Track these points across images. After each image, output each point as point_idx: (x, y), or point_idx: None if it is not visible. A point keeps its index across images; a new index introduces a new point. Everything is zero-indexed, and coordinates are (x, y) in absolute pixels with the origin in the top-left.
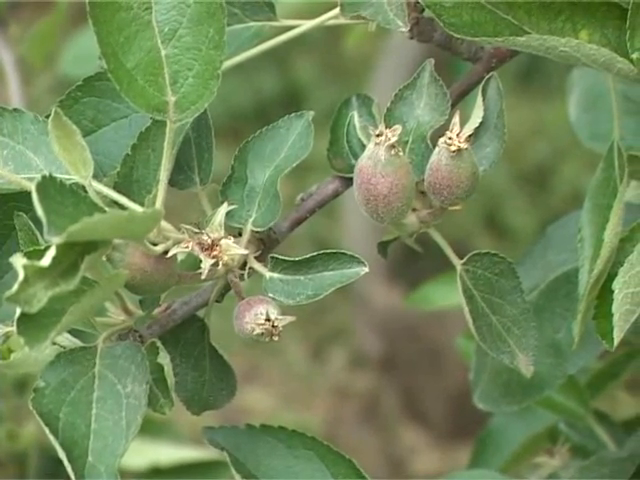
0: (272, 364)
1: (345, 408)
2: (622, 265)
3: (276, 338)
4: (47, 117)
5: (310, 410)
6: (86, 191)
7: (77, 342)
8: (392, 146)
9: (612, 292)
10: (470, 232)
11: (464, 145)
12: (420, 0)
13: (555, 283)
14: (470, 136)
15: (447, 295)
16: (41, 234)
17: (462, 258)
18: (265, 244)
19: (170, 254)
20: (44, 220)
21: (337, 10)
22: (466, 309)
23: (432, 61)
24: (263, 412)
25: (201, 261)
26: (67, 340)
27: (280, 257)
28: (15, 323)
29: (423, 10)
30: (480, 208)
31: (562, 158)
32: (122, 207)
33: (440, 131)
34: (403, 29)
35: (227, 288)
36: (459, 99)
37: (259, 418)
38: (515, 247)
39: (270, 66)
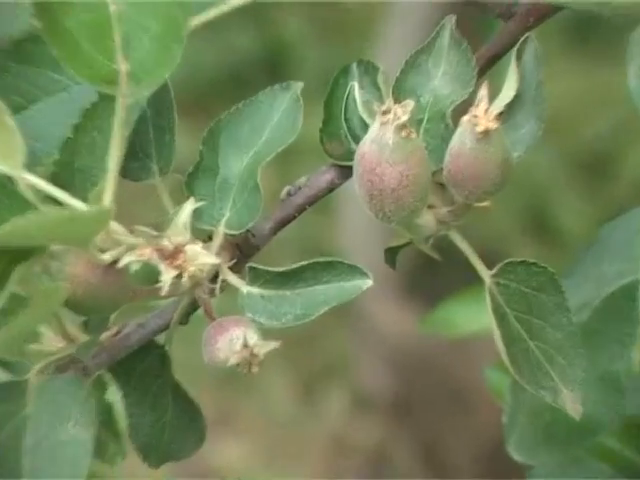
0: (251, 405)
1: (346, 464)
2: None
3: (256, 369)
4: None
5: (300, 467)
6: (16, 184)
7: (3, 376)
8: (402, 126)
9: None
10: (506, 237)
11: (493, 125)
12: None
13: (611, 300)
14: (501, 114)
15: (474, 316)
16: None
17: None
18: (242, 251)
19: (122, 264)
20: None
21: None
22: (497, 333)
23: (453, 18)
24: (238, 470)
25: (161, 272)
26: None
27: (261, 267)
28: None
29: None
30: (520, 205)
31: (627, 139)
32: (61, 204)
33: (463, 107)
34: None
35: (194, 306)
36: (488, 67)
37: (233, 477)
38: (566, 256)
39: (247, 23)
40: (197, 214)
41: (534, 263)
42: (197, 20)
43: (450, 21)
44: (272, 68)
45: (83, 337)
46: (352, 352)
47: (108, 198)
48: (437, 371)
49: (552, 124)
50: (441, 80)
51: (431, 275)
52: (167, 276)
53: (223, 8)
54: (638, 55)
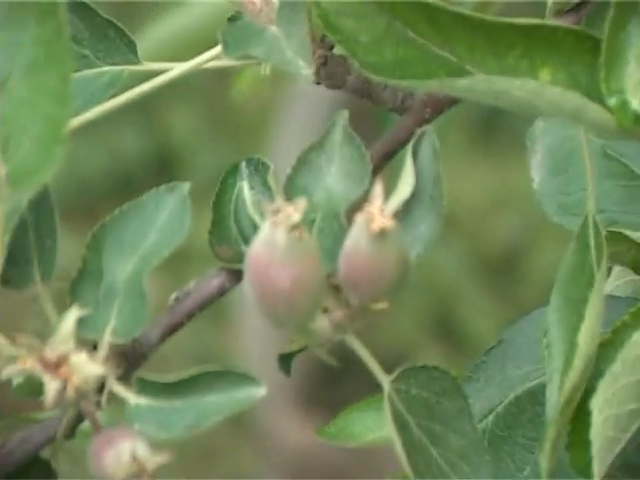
0: None
1: None
2: (602, 377)
3: None
4: None
5: None
6: None
7: None
8: (294, 226)
9: (590, 413)
10: (414, 341)
11: (389, 223)
12: (328, 34)
13: (516, 404)
14: (397, 211)
15: (374, 425)
16: None
17: None
18: (129, 360)
19: (3, 376)
20: None
21: (219, 49)
22: (397, 441)
23: (345, 113)
24: None
25: (44, 384)
26: None
27: (148, 377)
28: None
29: (333, 47)
30: (425, 307)
31: (536, 237)
32: None
33: (358, 205)
34: (306, 71)
35: (80, 419)
36: (383, 163)
37: None
38: (473, 359)
39: (134, 121)
40: (81, 322)
41: (435, 367)
42: (79, 120)
43: (342, 116)
44: (162, 169)
45: None
46: (255, 468)
47: None
48: None
49: (458, 222)
50: (335, 177)
51: (334, 381)
52: (50, 388)
53: (105, 106)
54: (537, 151)
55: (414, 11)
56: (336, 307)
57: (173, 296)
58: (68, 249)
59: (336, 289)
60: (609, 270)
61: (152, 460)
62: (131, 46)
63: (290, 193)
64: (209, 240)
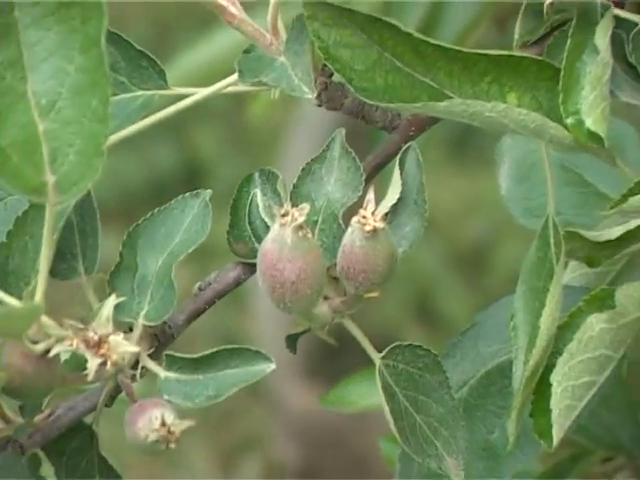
0: (174, 478)
1: None
2: (561, 355)
3: (173, 445)
4: None
5: None
6: None
7: None
8: (299, 227)
9: (550, 385)
10: (399, 323)
11: (380, 224)
12: (328, 63)
13: (487, 377)
14: (387, 214)
15: (367, 394)
16: None
17: None
18: (159, 340)
19: (52, 353)
20: None
21: (236, 76)
22: (386, 408)
23: (343, 131)
24: None
25: (87, 360)
26: None
27: (176, 354)
28: None
29: (332, 74)
30: (409, 295)
31: (502, 236)
32: None
33: (353, 209)
34: (309, 96)
35: (118, 390)
36: (374, 173)
37: None
38: (449, 338)
39: (166, 139)
40: (119, 308)
41: (419, 346)
42: (117, 137)
43: (340, 133)
44: (190, 179)
45: (19, 420)
46: (266, 429)
47: (39, 296)
48: (340, 443)
49: (436, 224)
50: (333, 186)
51: (334, 359)
52: (93, 364)
53: (139, 125)
54: (505, 162)
55: (400, 43)
56: (335, 295)
57: (197, 286)
58: (110, 247)
59: (335, 280)
60: (566, 264)
61: (179, 425)
62: (161, 74)
63: (296, 199)
64: (227, 238)
